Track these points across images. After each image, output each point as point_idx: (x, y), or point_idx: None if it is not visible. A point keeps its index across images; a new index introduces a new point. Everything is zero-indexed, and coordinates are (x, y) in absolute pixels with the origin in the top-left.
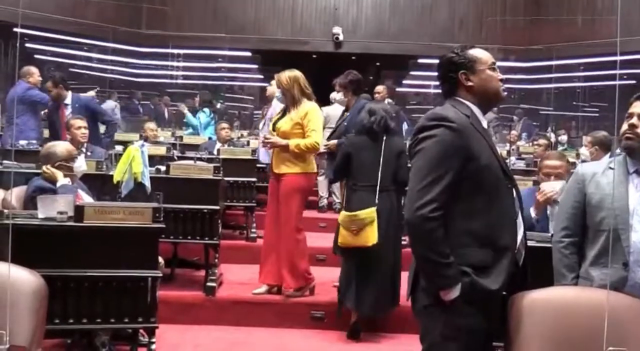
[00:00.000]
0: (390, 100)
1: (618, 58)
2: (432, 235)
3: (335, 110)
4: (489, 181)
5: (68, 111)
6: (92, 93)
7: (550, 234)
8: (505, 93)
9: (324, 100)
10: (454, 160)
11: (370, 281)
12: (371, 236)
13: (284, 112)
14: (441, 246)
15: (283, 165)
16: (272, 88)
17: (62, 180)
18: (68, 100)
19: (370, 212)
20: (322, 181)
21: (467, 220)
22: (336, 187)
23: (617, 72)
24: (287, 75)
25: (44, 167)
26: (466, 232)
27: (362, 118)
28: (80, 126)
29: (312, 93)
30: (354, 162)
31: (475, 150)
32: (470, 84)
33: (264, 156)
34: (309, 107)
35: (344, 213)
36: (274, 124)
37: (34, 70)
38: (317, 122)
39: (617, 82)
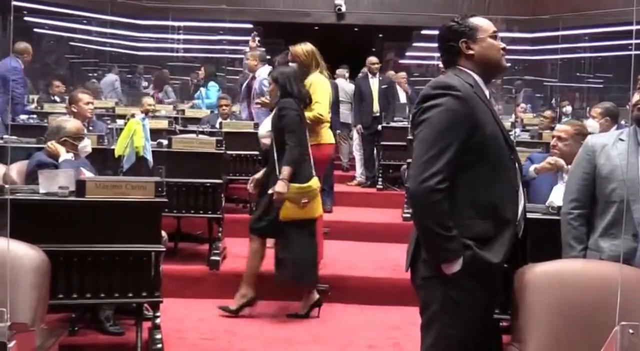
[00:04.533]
0: (392, 72)
1: (634, 27)
2: (437, 208)
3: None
4: (494, 151)
5: None
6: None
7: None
8: (508, 64)
9: None
10: (460, 130)
11: (315, 253)
12: (318, 206)
13: None
14: (445, 219)
15: None
16: (252, 63)
17: (64, 155)
18: None
19: (316, 181)
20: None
21: (471, 191)
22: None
23: (633, 41)
24: (304, 48)
25: (48, 143)
26: (470, 203)
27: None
28: (88, 101)
29: (324, 66)
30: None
31: (481, 120)
32: (471, 52)
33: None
34: (312, 78)
35: (292, 185)
36: None
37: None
38: (321, 93)
39: (633, 53)
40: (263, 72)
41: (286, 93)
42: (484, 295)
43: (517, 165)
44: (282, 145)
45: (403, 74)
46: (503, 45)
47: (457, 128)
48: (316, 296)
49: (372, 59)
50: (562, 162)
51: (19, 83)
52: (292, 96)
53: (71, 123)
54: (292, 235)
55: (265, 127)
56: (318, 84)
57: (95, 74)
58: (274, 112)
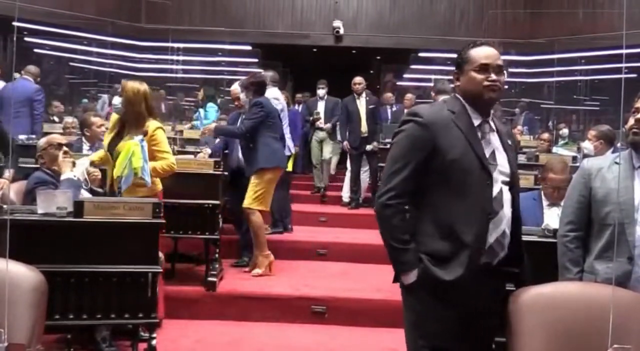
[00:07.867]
0: (389, 94)
1: (624, 51)
2: (389, 221)
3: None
4: (457, 176)
5: None
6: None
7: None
8: (493, 94)
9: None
10: (417, 153)
11: None
12: None
13: (118, 131)
14: (398, 232)
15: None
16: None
17: (67, 173)
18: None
19: None
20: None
21: (433, 210)
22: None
23: (623, 65)
24: (134, 86)
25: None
26: (431, 222)
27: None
28: (101, 124)
29: (156, 112)
30: None
31: (443, 145)
32: (458, 83)
33: None
34: (154, 126)
35: None
36: (109, 146)
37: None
38: (166, 143)
39: (623, 76)
40: (269, 93)
41: None
42: (442, 310)
43: (499, 191)
44: None
45: (389, 95)
46: (491, 77)
47: (414, 151)
48: None
49: (357, 79)
50: None
51: (41, 103)
52: None
53: (44, 138)
54: None
55: None
56: (161, 134)
57: (88, 94)
58: None
